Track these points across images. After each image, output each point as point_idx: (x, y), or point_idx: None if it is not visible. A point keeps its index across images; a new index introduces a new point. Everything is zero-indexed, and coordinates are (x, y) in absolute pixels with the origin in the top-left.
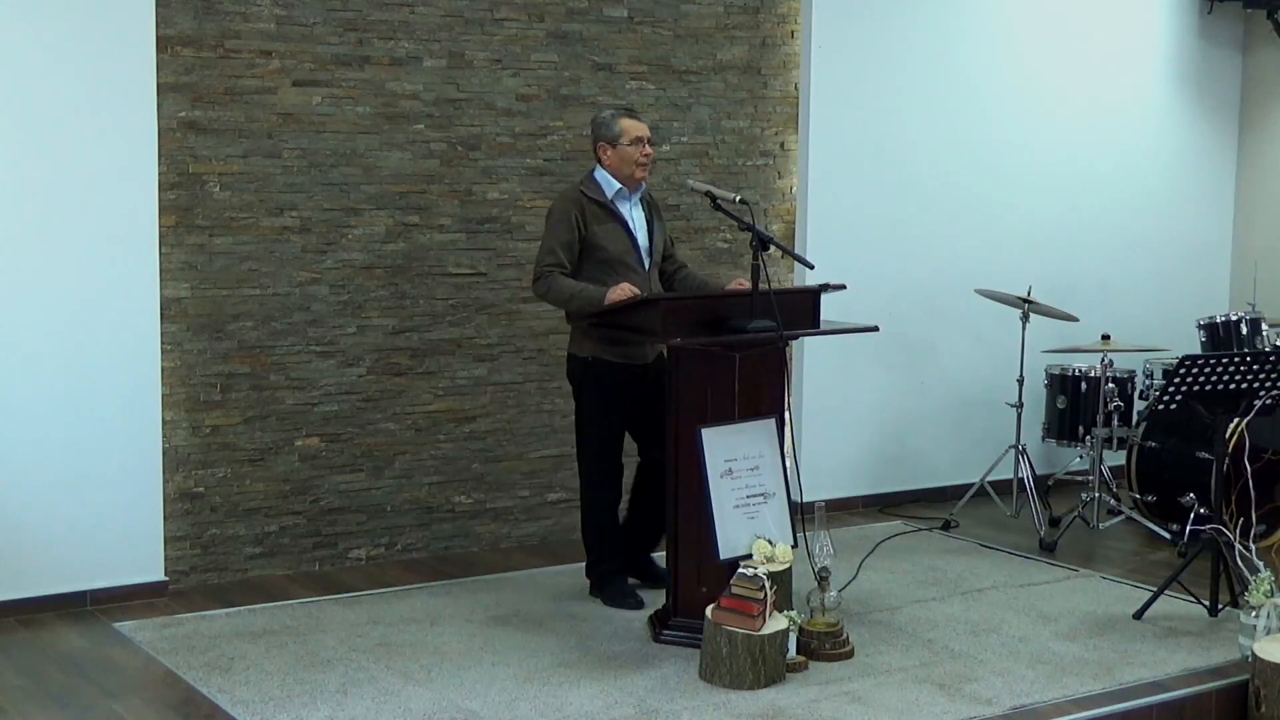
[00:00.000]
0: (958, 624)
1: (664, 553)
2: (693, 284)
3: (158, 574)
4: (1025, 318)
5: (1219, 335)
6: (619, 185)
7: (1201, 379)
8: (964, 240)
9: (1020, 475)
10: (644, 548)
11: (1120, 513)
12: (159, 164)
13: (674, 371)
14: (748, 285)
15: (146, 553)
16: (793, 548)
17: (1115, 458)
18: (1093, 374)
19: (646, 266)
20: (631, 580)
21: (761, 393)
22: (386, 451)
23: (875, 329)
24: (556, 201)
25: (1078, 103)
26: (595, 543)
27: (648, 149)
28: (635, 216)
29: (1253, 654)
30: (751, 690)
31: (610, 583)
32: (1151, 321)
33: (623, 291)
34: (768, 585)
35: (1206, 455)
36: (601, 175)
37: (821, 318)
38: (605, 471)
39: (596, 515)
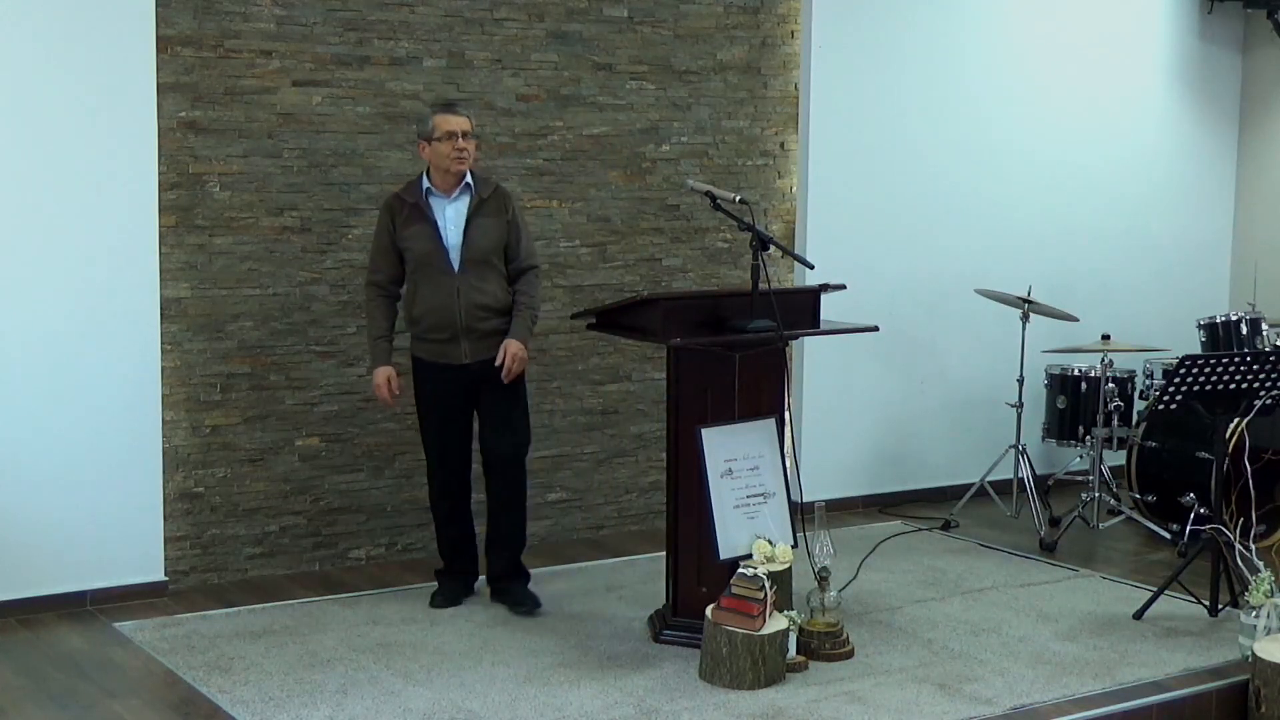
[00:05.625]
0: (958, 624)
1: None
2: (521, 316)
3: (158, 574)
4: (1025, 318)
5: (1219, 335)
6: (429, 185)
7: (1201, 379)
8: (964, 240)
9: (1020, 475)
10: (492, 565)
11: (1120, 513)
12: (159, 164)
13: (674, 371)
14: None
15: (146, 553)
16: (793, 548)
17: (1115, 458)
18: (1093, 374)
19: (456, 266)
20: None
21: (761, 393)
22: (386, 451)
23: (875, 329)
24: (381, 208)
25: (1078, 102)
26: (437, 545)
27: (461, 143)
28: (450, 214)
29: (1253, 654)
30: (751, 690)
31: (438, 583)
32: (1151, 321)
33: (374, 388)
34: (768, 585)
35: (1206, 455)
36: (423, 177)
37: (821, 318)
38: (437, 473)
39: (433, 515)
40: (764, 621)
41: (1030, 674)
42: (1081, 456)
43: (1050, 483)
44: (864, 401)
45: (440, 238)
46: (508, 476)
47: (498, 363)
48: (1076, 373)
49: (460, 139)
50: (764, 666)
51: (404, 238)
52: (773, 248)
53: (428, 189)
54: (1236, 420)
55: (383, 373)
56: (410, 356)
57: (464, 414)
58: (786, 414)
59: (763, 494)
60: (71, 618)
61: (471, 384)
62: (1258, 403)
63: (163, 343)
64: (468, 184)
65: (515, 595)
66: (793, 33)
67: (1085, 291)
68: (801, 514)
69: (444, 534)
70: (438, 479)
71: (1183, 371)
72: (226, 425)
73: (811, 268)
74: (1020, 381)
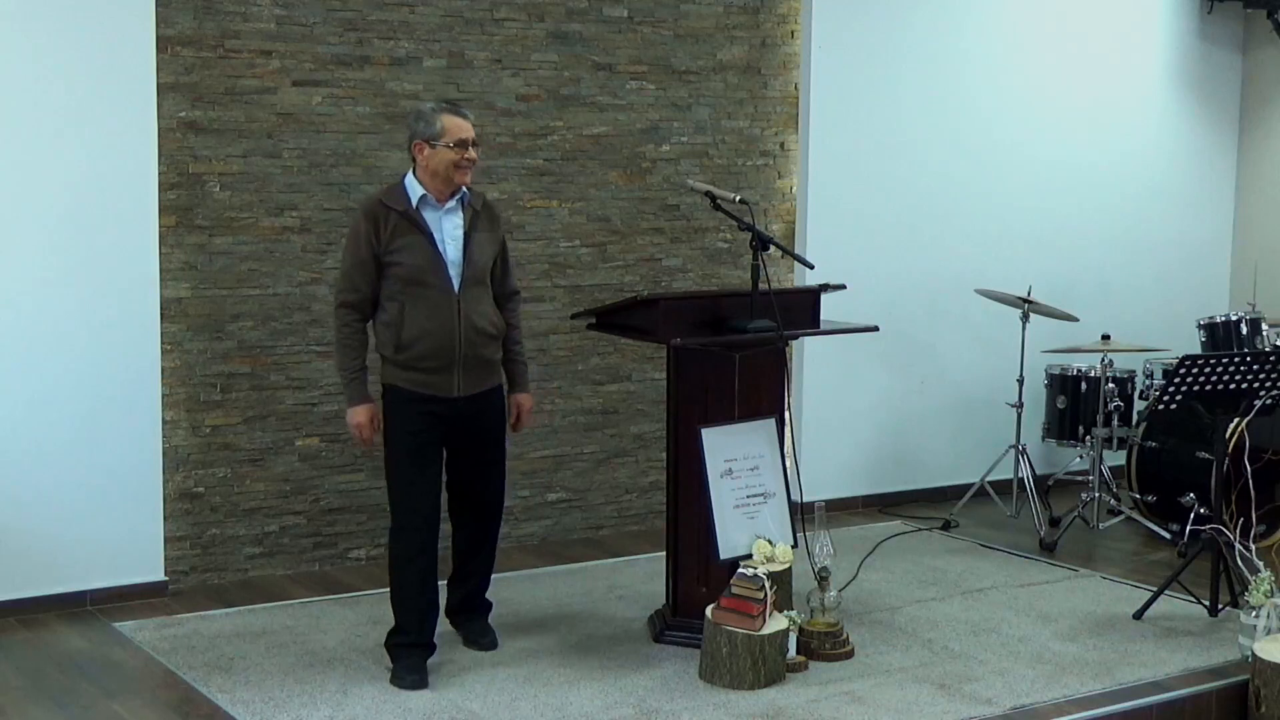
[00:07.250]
0: (958, 624)
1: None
2: (521, 363)
3: (158, 574)
4: (1025, 318)
5: (1219, 335)
6: (424, 191)
7: (1201, 379)
8: (964, 240)
9: (1020, 475)
10: (456, 596)
11: (1120, 513)
12: (159, 164)
13: (674, 371)
14: None
15: (146, 553)
16: (793, 548)
17: (1115, 458)
18: (1093, 374)
19: (456, 285)
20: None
21: (761, 393)
22: None
23: (875, 329)
24: (356, 215)
25: (1078, 102)
26: (395, 607)
27: (470, 153)
28: (446, 226)
29: (1253, 654)
30: (751, 690)
31: (401, 656)
32: (1151, 321)
33: (355, 428)
34: (768, 585)
35: (1206, 455)
36: (410, 180)
37: (821, 318)
38: (407, 529)
39: (397, 576)
40: (764, 621)
41: (1030, 674)
42: (1081, 456)
43: (1050, 483)
44: (864, 401)
45: (439, 252)
46: (494, 522)
47: (511, 421)
48: (1076, 373)
49: (470, 149)
50: (764, 666)
51: (392, 251)
52: (773, 248)
53: (421, 195)
54: (1236, 420)
55: (366, 411)
56: (383, 387)
57: (439, 455)
58: (786, 414)
59: (763, 494)
60: (71, 618)
61: (455, 420)
62: (1258, 403)
63: (163, 343)
64: (460, 193)
65: (477, 628)
66: (793, 33)
67: (1085, 291)
68: (801, 514)
69: (415, 603)
70: (408, 536)
71: (1183, 371)
72: (226, 425)
73: (811, 268)
74: (1020, 381)
